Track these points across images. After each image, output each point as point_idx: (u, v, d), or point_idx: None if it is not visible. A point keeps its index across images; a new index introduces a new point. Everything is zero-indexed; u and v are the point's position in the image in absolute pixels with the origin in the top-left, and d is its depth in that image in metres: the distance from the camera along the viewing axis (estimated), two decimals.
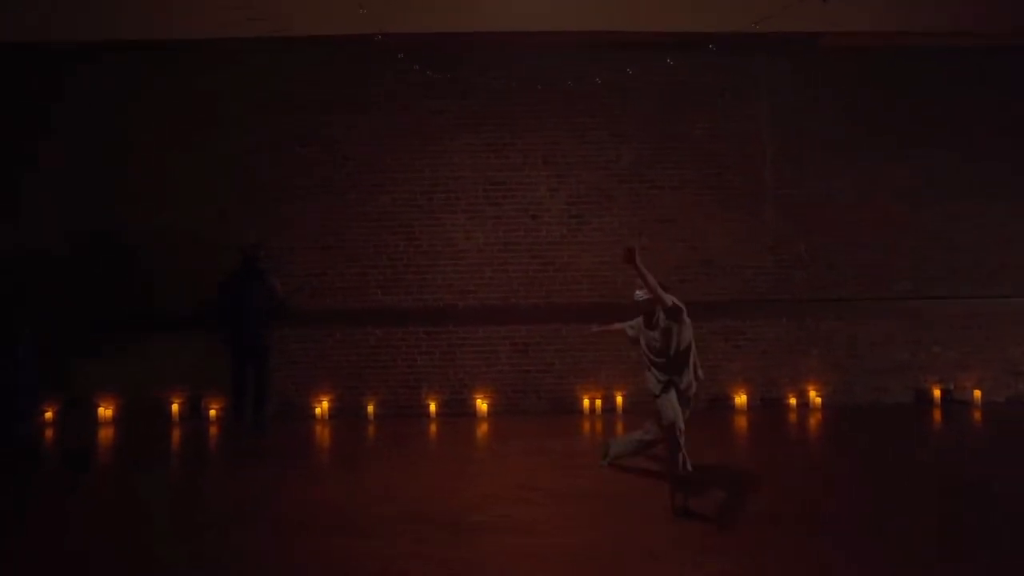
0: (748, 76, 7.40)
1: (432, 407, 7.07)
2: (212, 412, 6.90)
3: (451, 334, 7.17)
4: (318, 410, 6.98)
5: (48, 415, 6.80)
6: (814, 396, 7.32)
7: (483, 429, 6.66)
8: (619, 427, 6.73)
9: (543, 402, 7.17)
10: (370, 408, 7.03)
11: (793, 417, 7.12)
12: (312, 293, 7.02)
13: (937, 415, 7.16)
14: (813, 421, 6.91)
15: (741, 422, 6.94)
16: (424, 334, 7.15)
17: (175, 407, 6.89)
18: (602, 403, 7.14)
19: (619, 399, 7.14)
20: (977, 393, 7.40)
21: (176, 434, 6.57)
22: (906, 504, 4.34)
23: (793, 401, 7.31)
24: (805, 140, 7.38)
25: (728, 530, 3.92)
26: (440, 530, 3.96)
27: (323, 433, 6.55)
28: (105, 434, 6.53)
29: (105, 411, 6.86)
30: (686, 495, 4.22)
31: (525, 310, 7.19)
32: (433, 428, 6.74)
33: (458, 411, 7.07)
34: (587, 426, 6.77)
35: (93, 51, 6.99)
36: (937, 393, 7.41)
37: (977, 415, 7.15)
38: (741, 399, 7.23)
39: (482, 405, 7.07)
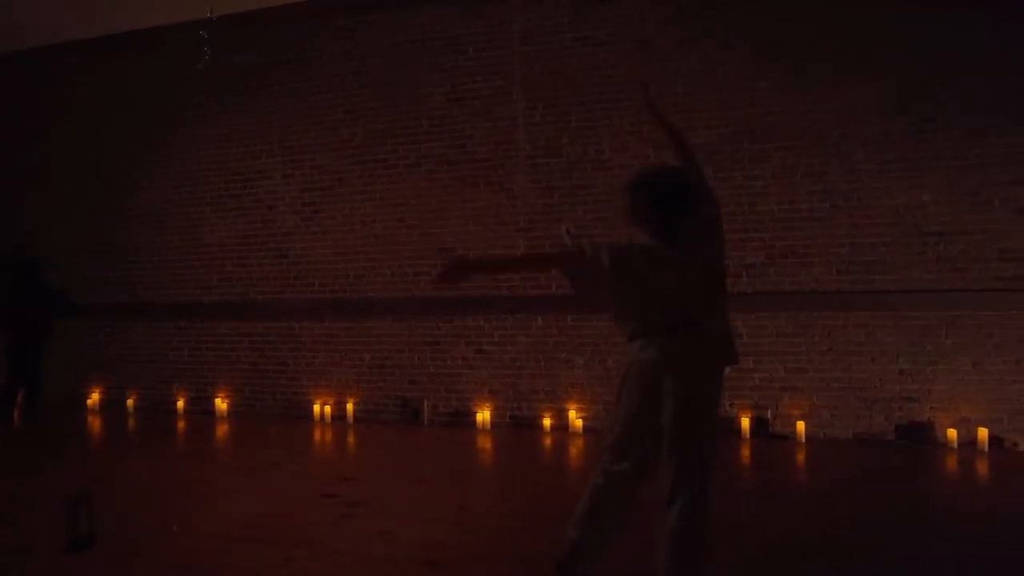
0: (498, 25, 5.46)
1: (180, 404, 6.28)
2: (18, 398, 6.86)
3: (197, 330, 6.23)
4: (90, 402, 6.56)
5: None
6: (574, 417, 5.26)
7: (219, 430, 5.76)
8: (349, 437, 5.39)
9: (278, 404, 5.92)
10: (130, 402, 6.43)
11: (547, 441, 5.15)
12: (89, 289, 6.28)
13: (743, 452, 4.75)
14: (564, 446, 4.95)
15: (483, 442, 5.20)
16: (174, 329, 6.31)
17: None
18: (332, 410, 5.81)
19: (350, 406, 5.75)
20: (801, 426, 4.78)
21: None
22: None
23: (548, 422, 5.34)
24: (569, 93, 5.07)
25: None
26: None
27: (73, 424, 5.79)
28: None
29: None
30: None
31: (261, 306, 6.01)
32: (180, 425, 5.98)
33: (202, 409, 6.12)
34: (317, 434, 5.51)
35: None
36: (746, 423, 4.94)
37: (799, 455, 4.60)
38: (484, 415, 5.40)
39: (222, 404, 6.07)
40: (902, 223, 4.51)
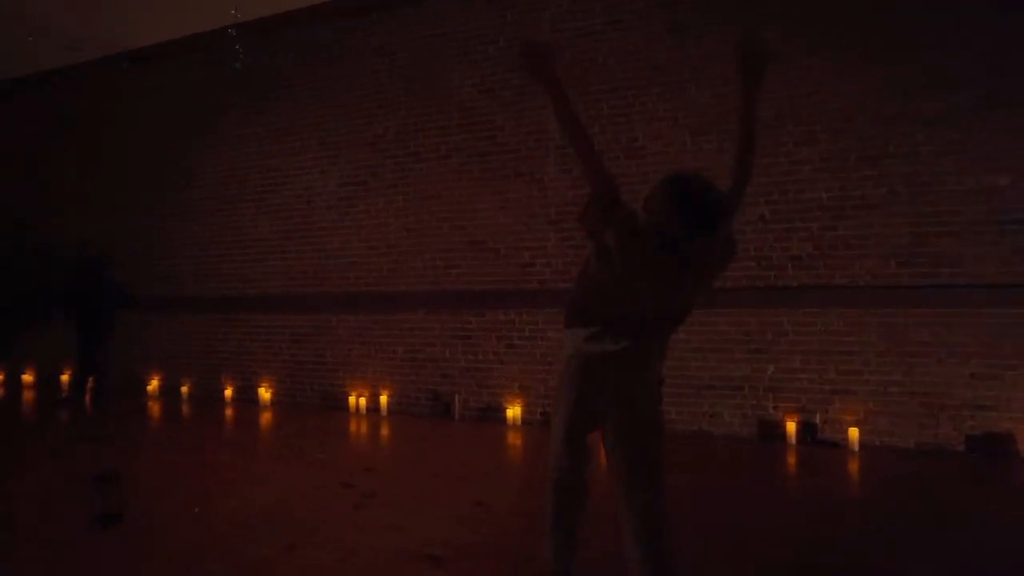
0: (528, 12, 5.31)
1: (228, 392, 6.56)
2: (89, 384, 7.34)
3: (243, 322, 6.44)
4: (150, 388, 6.97)
5: None
6: None
7: (260, 419, 5.94)
8: (381, 429, 5.42)
9: (316, 395, 6.05)
10: (184, 390, 6.78)
11: None
12: (146, 283, 6.68)
13: (787, 459, 4.38)
14: (595, 446, 4.75)
15: (512, 438, 5.09)
16: (223, 321, 6.58)
17: (64, 378, 7.54)
18: (367, 402, 5.87)
19: (383, 399, 5.78)
20: (853, 432, 4.36)
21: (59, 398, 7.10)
22: None
23: None
24: (600, 80, 4.86)
25: None
26: None
27: (133, 410, 6.03)
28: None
29: (27, 377, 7.86)
30: None
31: (300, 299, 6.15)
32: (226, 413, 6.20)
33: (247, 398, 6.36)
34: (352, 425, 5.59)
35: None
36: (792, 427, 4.56)
37: (849, 464, 4.20)
38: (515, 411, 5.28)
39: (265, 394, 6.30)
40: (972, 210, 4.04)
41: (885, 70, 4.17)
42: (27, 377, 7.70)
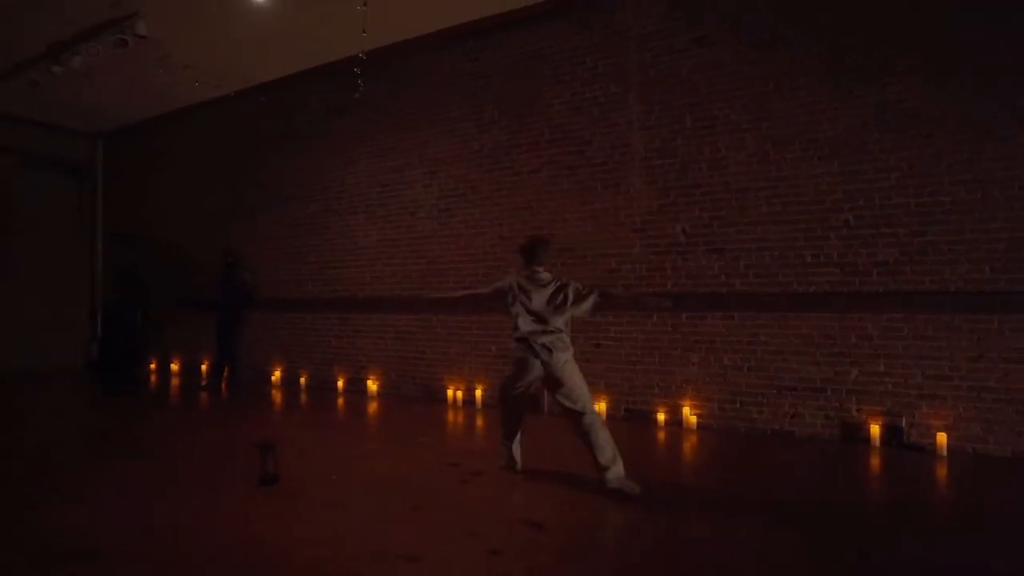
0: (614, 33, 5.72)
1: (340, 383, 7.44)
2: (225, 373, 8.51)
3: (354, 321, 7.33)
4: (274, 378, 8.02)
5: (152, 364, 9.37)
6: (688, 413, 5.33)
7: (369, 407, 6.75)
8: (478, 420, 6.05)
9: (417, 388, 6.79)
10: (302, 380, 7.76)
11: (661, 435, 5.31)
12: (270, 285, 7.72)
13: (870, 463, 4.46)
14: (677, 440, 5.07)
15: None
16: (337, 320, 7.50)
17: (203, 367, 8.78)
18: (463, 395, 6.49)
19: (478, 392, 6.37)
20: (942, 437, 4.38)
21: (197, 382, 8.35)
22: None
23: (662, 417, 5.46)
24: (684, 94, 5.19)
25: None
26: None
27: (260, 396, 7.00)
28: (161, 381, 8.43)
29: (175, 366, 9.21)
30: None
31: (404, 301, 6.91)
32: (339, 401, 7.08)
33: (357, 389, 7.23)
34: (450, 415, 6.25)
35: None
36: (876, 430, 4.63)
37: (940, 470, 4.25)
38: (600, 407, 5.68)
39: (372, 386, 7.12)
40: None
41: (978, 70, 4.23)
42: (174, 366, 9.03)
